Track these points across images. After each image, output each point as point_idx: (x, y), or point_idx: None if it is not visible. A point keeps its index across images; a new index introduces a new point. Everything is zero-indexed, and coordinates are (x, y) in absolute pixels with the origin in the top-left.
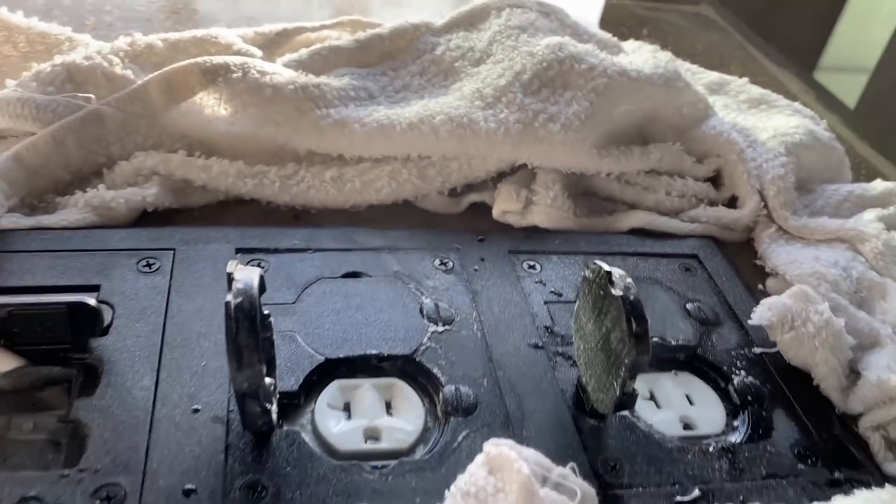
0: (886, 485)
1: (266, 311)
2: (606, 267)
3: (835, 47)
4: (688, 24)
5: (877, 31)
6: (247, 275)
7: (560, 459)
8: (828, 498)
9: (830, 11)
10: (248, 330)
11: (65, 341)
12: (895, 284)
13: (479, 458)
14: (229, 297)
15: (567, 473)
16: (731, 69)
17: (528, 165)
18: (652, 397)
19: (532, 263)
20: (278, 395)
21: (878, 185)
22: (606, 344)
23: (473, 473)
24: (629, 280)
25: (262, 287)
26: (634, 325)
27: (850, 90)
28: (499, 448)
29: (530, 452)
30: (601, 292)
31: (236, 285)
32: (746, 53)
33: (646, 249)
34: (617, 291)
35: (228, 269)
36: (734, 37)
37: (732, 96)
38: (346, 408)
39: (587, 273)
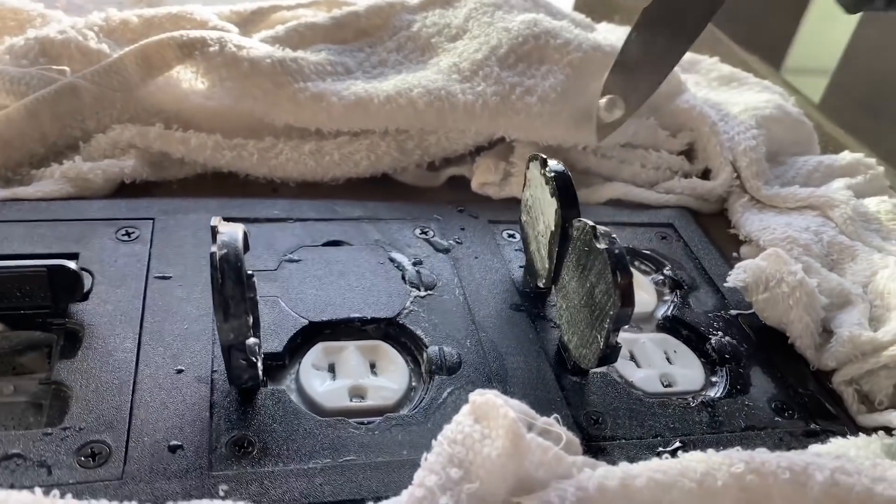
0: (861, 434)
1: (250, 272)
2: (590, 223)
3: (798, 49)
4: None
5: (840, 34)
6: (231, 229)
7: (544, 413)
8: (805, 447)
9: (794, 13)
10: (234, 281)
11: (45, 306)
12: (864, 247)
13: (465, 408)
14: (214, 249)
15: (552, 422)
16: (701, 53)
17: (505, 139)
18: (632, 357)
19: (512, 233)
20: (262, 356)
21: (847, 156)
22: (591, 299)
23: (460, 422)
24: (613, 235)
25: (246, 245)
26: (619, 277)
27: (812, 92)
28: (485, 396)
29: (515, 402)
30: (586, 248)
31: (221, 238)
32: (715, 38)
33: (623, 219)
34: (601, 245)
35: (212, 223)
36: None
37: (703, 74)
38: (331, 369)
39: (572, 231)
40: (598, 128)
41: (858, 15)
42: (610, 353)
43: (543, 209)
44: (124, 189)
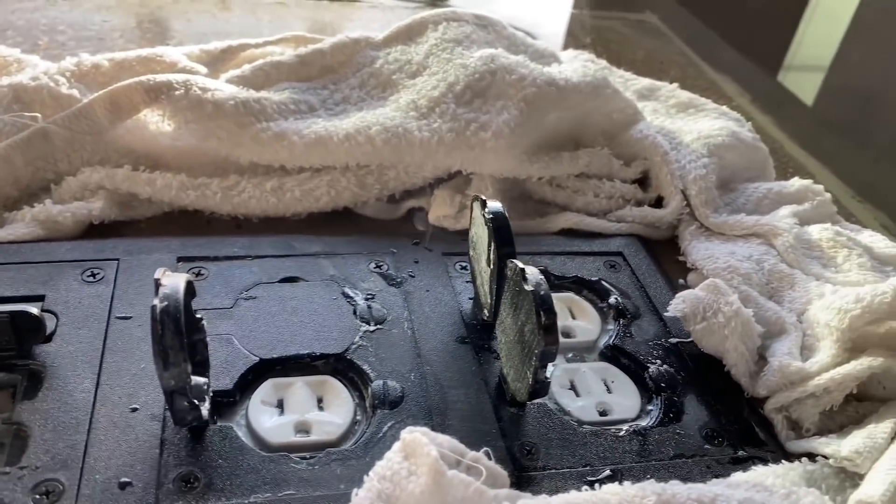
0: (783, 461)
1: (199, 315)
2: (520, 265)
3: (799, 46)
4: (631, 31)
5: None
6: (174, 281)
7: (480, 446)
8: (729, 475)
9: (794, 12)
10: (173, 332)
11: (10, 348)
12: (803, 275)
13: (397, 445)
14: (155, 302)
15: (479, 457)
16: (670, 74)
17: (462, 172)
18: (572, 387)
19: (464, 265)
20: (212, 394)
21: (796, 183)
22: (522, 336)
23: (390, 459)
24: (541, 277)
25: (192, 292)
26: (543, 318)
27: (811, 88)
28: (412, 434)
29: (444, 438)
30: (517, 288)
31: (163, 290)
32: (686, 59)
33: (574, 248)
34: (529, 287)
35: (156, 276)
36: (675, 43)
37: (662, 101)
38: (280, 404)
39: (507, 272)
40: None
41: (852, 12)
42: (539, 388)
43: (485, 247)
44: (94, 228)
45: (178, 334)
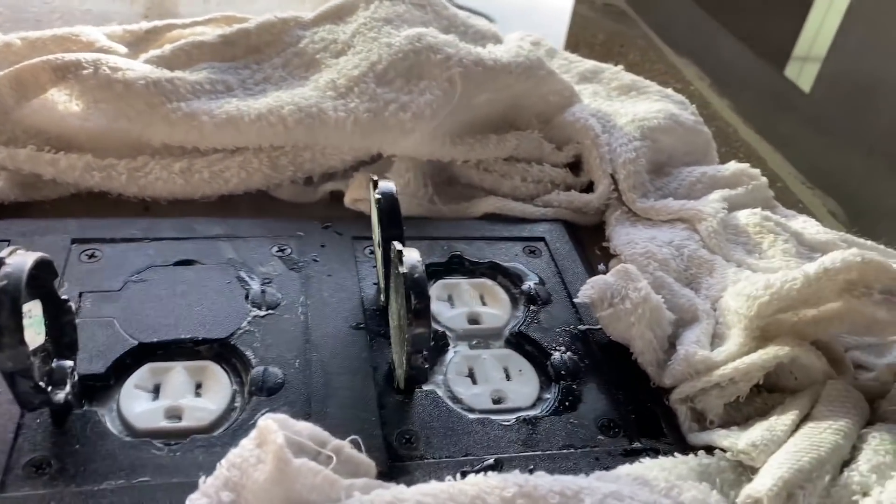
0: (677, 454)
1: (65, 297)
2: (399, 246)
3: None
4: (595, 14)
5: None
6: (19, 259)
7: (358, 434)
8: (615, 467)
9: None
10: (10, 311)
11: None
12: (723, 262)
13: (253, 433)
14: None
15: (342, 446)
16: (629, 57)
17: (383, 155)
18: (471, 374)
19: (374, 249)
20: (77, 377)
21: (731, 167)
22: (400, 320)
23: (243, 446)
24: (417, 259)
25: (52, 272)
26: (415, 301)
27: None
28: (266, 421)
29: (304, 426)
30: (395, 271)
31: (4, 269)
32: (648, 42)
33: (494, 234)
34: (403, 269)
35: (0, 255)
36: (639, 26)
37: (604, 84)
38: (157, 390)
39: (392, 255)
40: None
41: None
42: (416, 374)
43: (378, 230)
44: None
45: (15, 314)
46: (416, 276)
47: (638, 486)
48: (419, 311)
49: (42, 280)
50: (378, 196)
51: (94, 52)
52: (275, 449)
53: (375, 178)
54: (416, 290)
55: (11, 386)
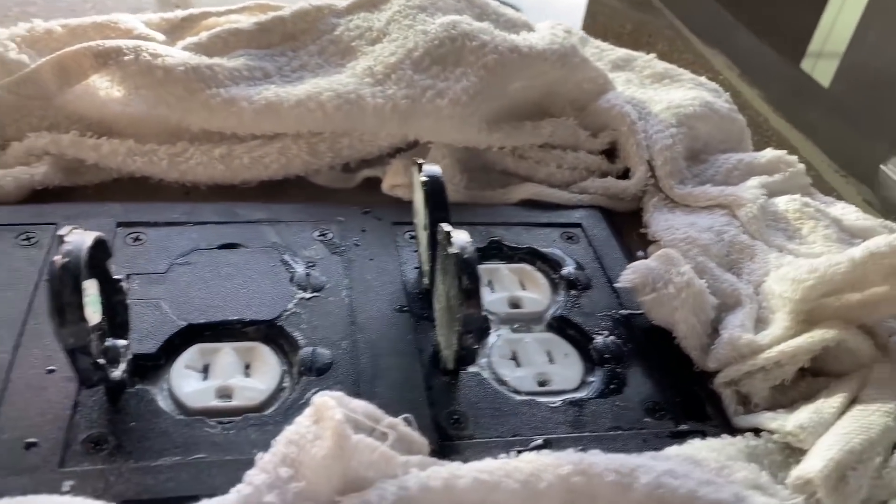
0: (724, 434)
1: (118, 276)
2: (448, 228)
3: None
4: (621, 5)
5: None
6: (78, 238)
7: (406, 413)
8: (663, 448)
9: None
10: (72, 288)
11: None
12: (764, 247)
13: (308, 410)
14: (56, 257)
15: (396, 423)
16: (657, 47)
17: (419, 141)
18: (514, 357)
19: (414, 234)
20: (131, 356)
21: (768, 154)
22: (448, 302)
23: (299, 423)
24: (467, 240)
25: (107, 252)
26: (465, 282)
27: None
28: (322, 398)
29: (359, 404)
30: (444, 253)
31: (64, 247)
32: (675, 32)
33: (531, 220)
34: (453, 250)
35: (60, 232)
36: (665, 16)
37: (637, 72)
38: (206, 370)
39: (439, 237)
40: None
41: None
42: (466, 355)
43: (423, 213)
44: (41, 195)
45: (77, 291)
46: (467, 256)
47: (690, 466)
48: (470, 291)
49: (98, 259)
50: (424, 178)
51: (133, 39)
52: (333, 425)
53: (420, 161)
54: (467, 271)
55: (73, 362)
